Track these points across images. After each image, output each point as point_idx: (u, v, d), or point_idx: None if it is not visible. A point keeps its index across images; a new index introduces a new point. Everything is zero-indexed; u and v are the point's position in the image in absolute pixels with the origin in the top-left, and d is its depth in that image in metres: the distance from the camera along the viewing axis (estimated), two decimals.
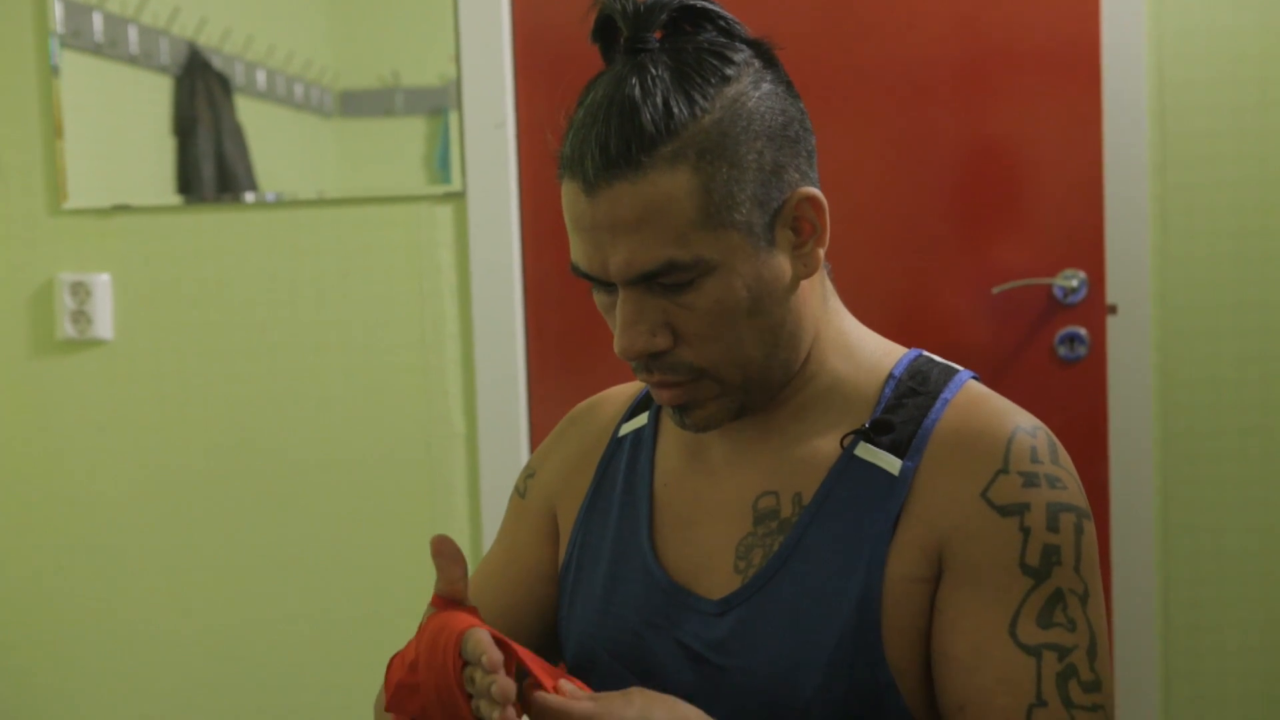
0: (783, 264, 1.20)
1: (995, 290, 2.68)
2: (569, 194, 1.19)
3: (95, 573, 2.90)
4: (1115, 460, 2.65)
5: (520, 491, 1.44)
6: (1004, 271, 2.68)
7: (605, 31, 1.22)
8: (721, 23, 1.23)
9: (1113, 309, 2.64)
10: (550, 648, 1.41)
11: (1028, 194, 2.68)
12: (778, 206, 1.19)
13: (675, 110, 1.15)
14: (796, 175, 1.21)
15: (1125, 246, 2.63)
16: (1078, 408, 2.67)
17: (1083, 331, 2.67)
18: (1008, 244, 2.69)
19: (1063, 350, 2.67)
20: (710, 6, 1.23)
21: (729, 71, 1.19)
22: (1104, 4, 2.61)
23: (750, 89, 1.19)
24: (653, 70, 1.17)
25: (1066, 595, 1.16)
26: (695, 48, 1.19)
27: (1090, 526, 1.20)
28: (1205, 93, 2.61)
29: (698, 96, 1.16)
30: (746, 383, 1.22)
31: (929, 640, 1.19)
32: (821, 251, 1.23)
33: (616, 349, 1.19)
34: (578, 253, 1.20)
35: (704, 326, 1.18)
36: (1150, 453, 2.65)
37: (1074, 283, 2.65)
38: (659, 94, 1.15)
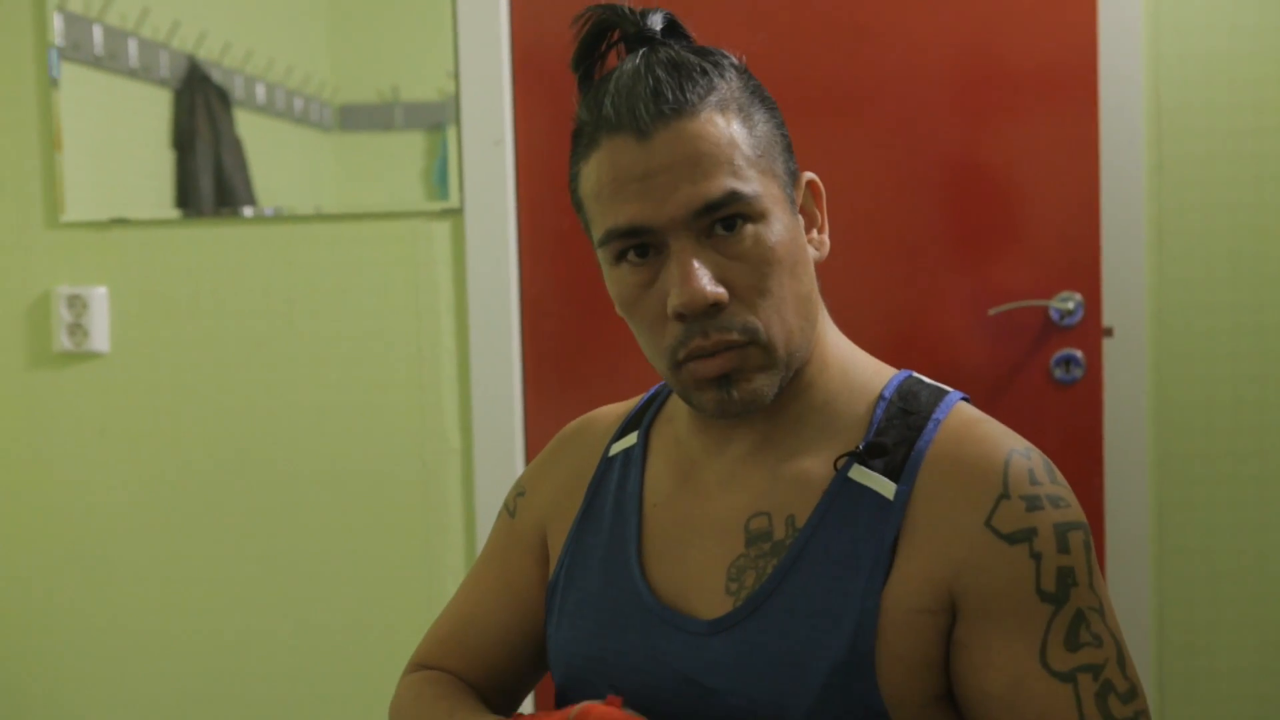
0: (803, 235, 1.25)
1: (991, 312, 2.68)
2: (613, 151, 1.20)
3: (90, 584, 2.90)
4: (1111, 482, 2.65)
5: (510, 510, 1.43)
6: (1000, 293, 2.68)
7: (588, 56, 1.26)
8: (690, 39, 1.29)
9: (1109, 331, 2.65)
10: (543, 668, 1.41)
11: (1024, 216, 2.69)
12: (794, 182, 1.26)
13: (709, 69, 1.22)
14: (797, 163, 1.27)
15: (1121, 269, 2.63)
16: (1074, 430, 2.67)
17: (1079, 354, 2.67)
18: (1004, 266, 2.69)
19: (1059, 372, 2.67)
20: (684, 29, 1.29)
21: (725, 63, 1.25)
22: (1101, 27, 2.62)
23: (748, 78, 1.26)
24: (671, 50, 1.23)
25: (1087, 614, 1.16)
26: (690, 46, 1.26)
27: (1091, 539, 1.20)
28: (1201, 117, 2.62)
29: (720, 69, 1.23)
30: (789, 356, 1.22)
31: (929, 670, 1.18)
32: (826, 238, 1.28)
33: (678, 304, 1.18)
34: (624, 211, 1.20)
35: (757, 278, 1.19)
36: (1146, 475, 2.65)
37: (1070, 305, 2.66)
38: (690, 59, 1.22)
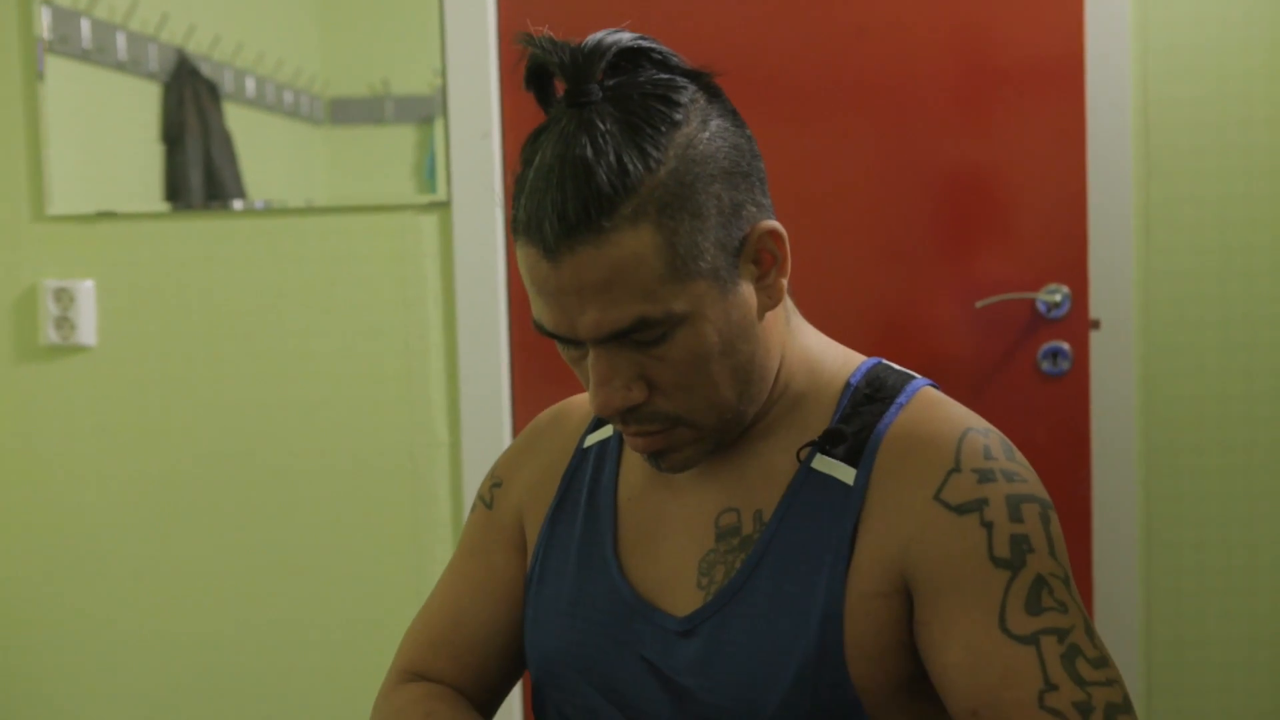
0: (748, 298, 1.19)
1: (978, 304, 2.68)
2: (528, 258, 1.16)
3: (78, 579, 2.90)
4: (1098, 475, 2.65)
5: (486, 502, 1.42)
6: (987, 285, 2.68)
7: (539, 79, 1.20)
8: (657, 56, 1.19)
9: (1096, 324, 2.65)
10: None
11: (1012, 209, 2.69)
12: (739, 244, 1.17)
13: (630, 167, 1.12)
14: (754, 209, 1.18)
15: (1109, 261, 2.63)
16: (1061, 422, 2.66)
17: (1066, 346, 2.67)
18: (991, 258, 2.69)
19: (1046, 365, 2.67)
20: (649, 45, 1.19)
21: (677, 116, 1.15)
22: (1089, 21, 2.62)
23: (699, 130, 1.16)
24: (601, 126, 1.13)
25: (1049, 579, 1.13)
26: (640, 94, 1.15)
27: (1056, 517, 1.17)
28: (1189, 109, 2.62)
29: (650, 148, 1.13)
30: (721, 424, 1.21)
31: (892, 657, 1.17)
32: (784, 281, 1.21)
33: (593, 407, 1.17)
34: (542, 314, 1.18)
35: (679, 376, 1.17)
36: (1133, 467, 2.65)
37: (1057, 297, 2.66)
38: (611, 151, 1.12)
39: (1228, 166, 2.61)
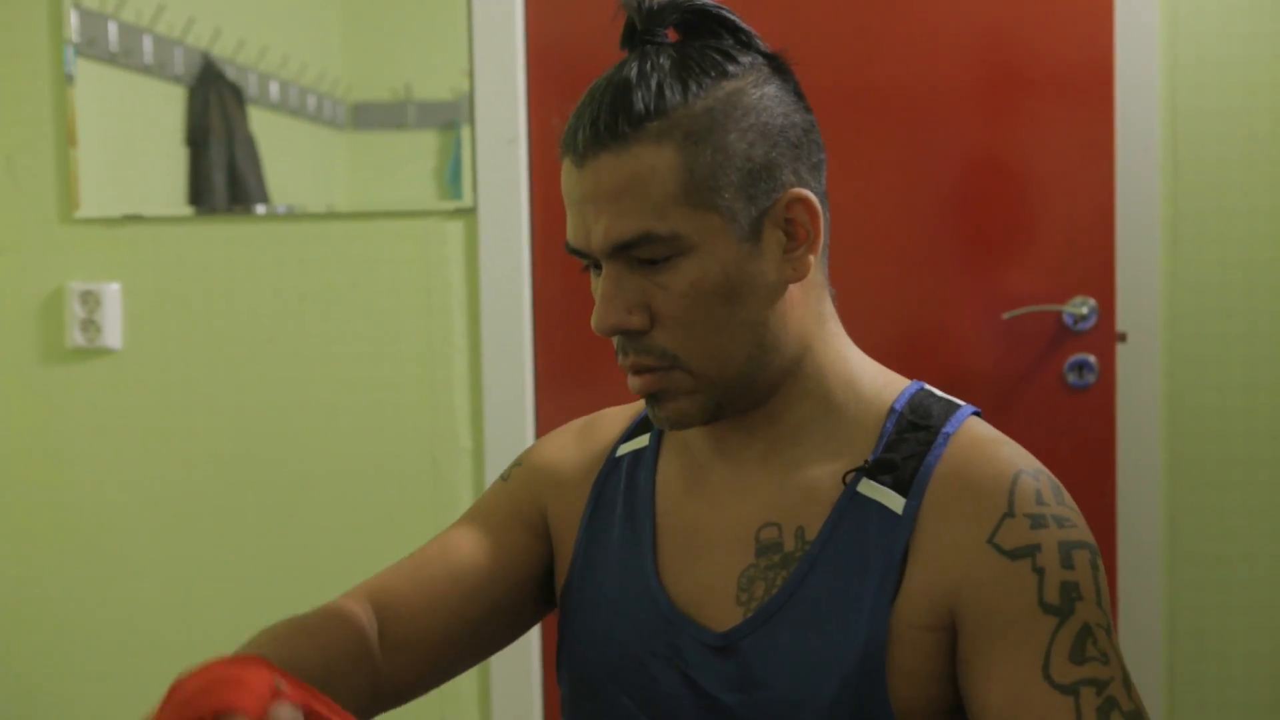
0: (769, 263, 1.20)
1: (1005, 316, 2.67)
2: (565, 170, 1.23)
3: (101, 580, 2.90)
4: (1123, 488, 2.64)
5: (504, 478, 1.41)
6: (1014, 297, 2.68)
7: (628, 36, 1.25)
8: (742, 36, 1.24)
9: (1123, 337, 2.64)
10: (490, 635, 1.37)
11: (1039, 220, 2.68)
12: (767, 204, 1.20)
13: (668, 94, 1.18)
14: (793, 178, 1.21)
15: (1136, 274, 2.63)
16: (1086, 435, 2.66)
17: (1092, 359, 2.66)
18: (1018, 270, 2.69)
19: (1072, 377, 2.67)
20: (729, 16, 1.24)
21: (731, 69, 1.20)
22: (1118, 31, 2.61)
23: (751, 88, 1.21)
24: (654, 59, 1.20)
25: (1094, 629, 1.14)
26: (703, 46, 1.22)
27: (1102, 564, 1.18)
28: (1217, 121, 2.61)
29: (693, 85, 1.18)
30: (723, 381, 1.21)
31: (936, 685, 1.17)
32: (813, 258, 1.22)
33: (592, 323, 1.20)
34: (569, 229, 1.23)
35: (679, 310, 1.18)
36: (1158, 481, 2.64)
37: (1084, 310, 2.65)
38: (654, 78, 1.18)
39: (1256, 179, 2.61)
